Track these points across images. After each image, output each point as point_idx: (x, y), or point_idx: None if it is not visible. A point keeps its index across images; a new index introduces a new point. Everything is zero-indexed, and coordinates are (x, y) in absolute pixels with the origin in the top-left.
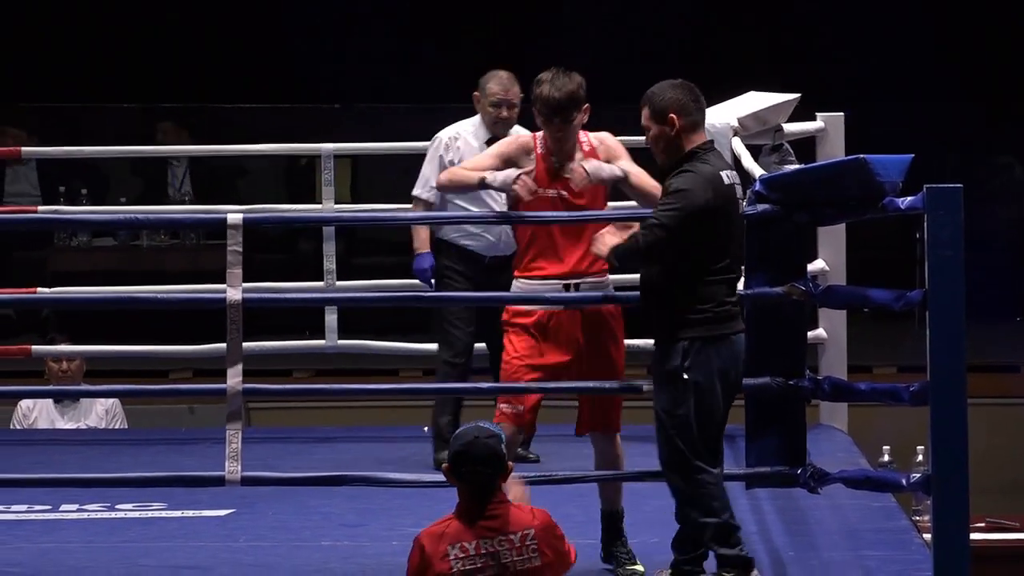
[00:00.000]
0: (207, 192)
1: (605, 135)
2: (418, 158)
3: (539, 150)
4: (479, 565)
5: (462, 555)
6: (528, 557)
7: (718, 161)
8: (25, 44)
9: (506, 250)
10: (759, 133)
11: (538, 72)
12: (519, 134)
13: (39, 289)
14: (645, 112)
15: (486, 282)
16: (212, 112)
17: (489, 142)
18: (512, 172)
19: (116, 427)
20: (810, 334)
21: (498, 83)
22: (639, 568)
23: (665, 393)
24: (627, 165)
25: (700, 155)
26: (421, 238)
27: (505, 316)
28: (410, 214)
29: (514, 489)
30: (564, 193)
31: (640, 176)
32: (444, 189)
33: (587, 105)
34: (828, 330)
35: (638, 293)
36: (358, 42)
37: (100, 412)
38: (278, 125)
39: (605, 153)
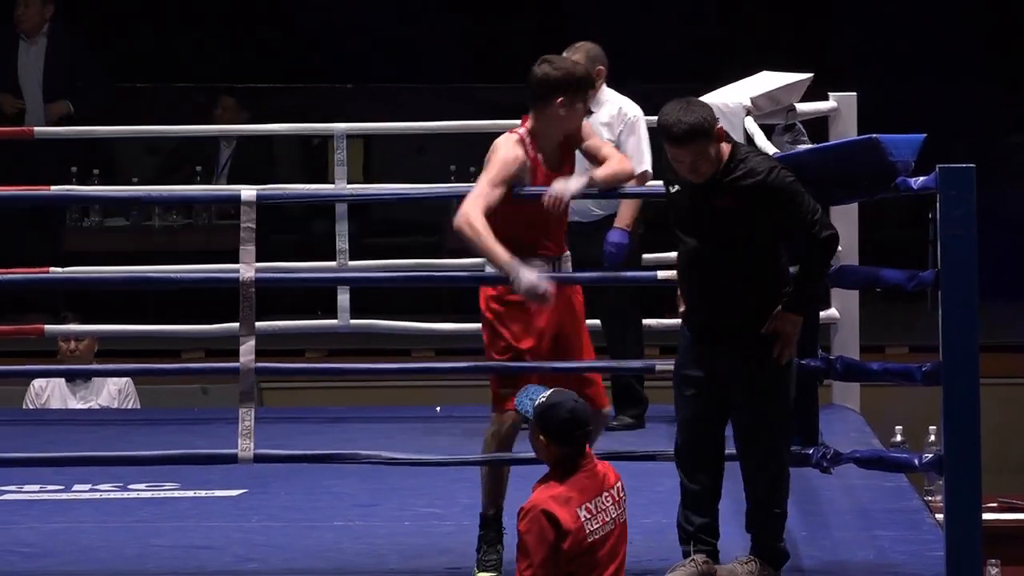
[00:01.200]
0: (247, 172)
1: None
2: (430, 137)
3: (531, 153)
4: (604, 522)
5: (588, 516)
6: (624, 508)
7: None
8: None
9: (582, 217)
10: (772, 113)
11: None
12: (508, 146)
13: (51, 269)
14: (701, 144)
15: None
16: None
17: None
18: (533, 283)
19: (129, 407)
20: (822, 314)
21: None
22: None
23: (778, 385)
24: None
25: (742, 147)
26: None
27: (492, 293)
28: (418, 190)
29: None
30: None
31: (606, 168)
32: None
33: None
34: (840, 310)
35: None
36: (372, 20)
37: (113, 392)
38: (294, 104)
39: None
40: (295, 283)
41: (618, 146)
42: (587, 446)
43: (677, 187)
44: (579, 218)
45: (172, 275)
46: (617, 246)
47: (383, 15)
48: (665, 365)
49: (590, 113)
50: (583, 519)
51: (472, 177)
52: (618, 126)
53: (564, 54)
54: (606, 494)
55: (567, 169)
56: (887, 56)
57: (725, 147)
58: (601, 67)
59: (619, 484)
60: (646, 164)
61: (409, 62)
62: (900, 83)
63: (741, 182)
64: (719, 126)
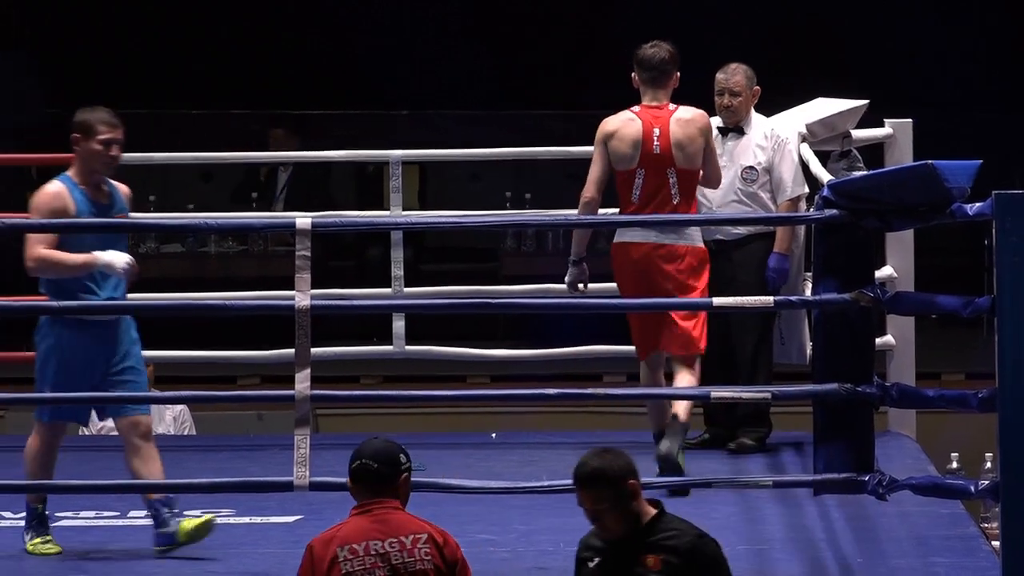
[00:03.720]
0: (303, 199)
1: None
2: (484, 164)
3: None
4: (367, 566)
5: (351, 556)
6: (419, 559)
7: None
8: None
9: (724, 235)
10: (827, 139)
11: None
12: None
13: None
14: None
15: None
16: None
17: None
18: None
19: (185, 434)
20: (878, 341)
21: (721, 72)
22: None
23: None
24: None
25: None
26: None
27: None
28: (471, 217)
29: None
30: None
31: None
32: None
33: None
34: (896, 336)
35: None
36: (427, 47)
37: (168, 420)
38: (349, 131)
39: None
40: (351, 310)
41: (770, 168)
42: (390, 497)
43: (597, 560)
44: (721, 236)
45: (227, 302)
46: (777, 271)
47: (437, 41)
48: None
49: (742, 134)
50: (341, 559)
51: (527, 204)
52: (771, 148)
53: (719, 75)
54: (393, 540)
55: None
56: (943, 83)
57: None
58: (757, 87)
59: (420, 536)
60: (802, 187)
61: (460, 88)
62: (956, 110)
63: (666, 542)
64: (633, 481)
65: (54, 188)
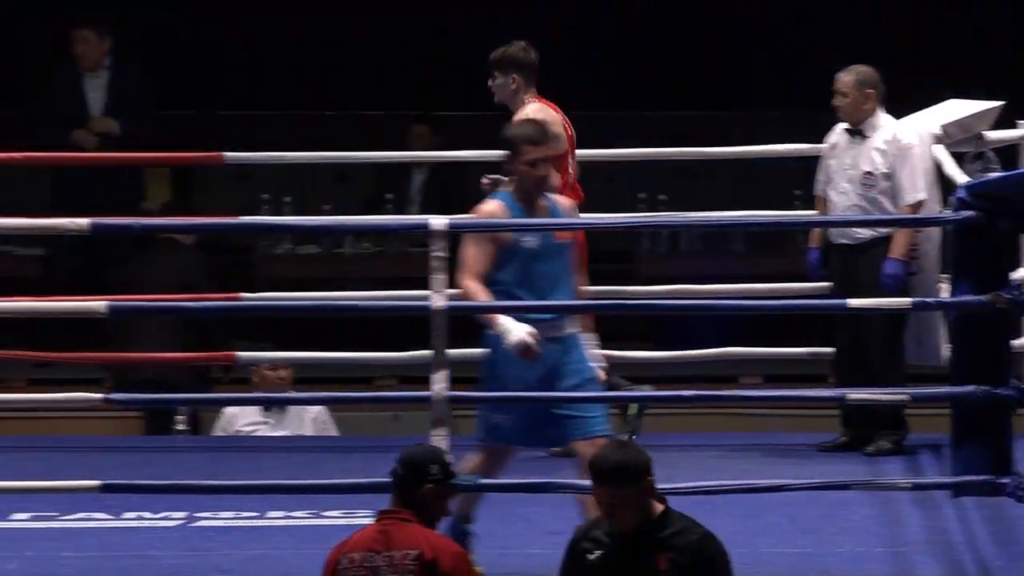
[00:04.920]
0: (438, 199)
1: None
2: (615, 166)
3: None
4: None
5: (349, 565)
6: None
7: None
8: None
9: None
10: (962, 141)
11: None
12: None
13: (242, 295)
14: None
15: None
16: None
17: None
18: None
19: (325, 435)
20: (1015, 343)
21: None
22: None
23: None
24: None
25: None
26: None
27: None
28: (610, 220)
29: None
30: None
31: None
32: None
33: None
34: None
35: None
36: (562, 48)
37: (308, 421)
38: (485, 131)
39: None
40: (486, 310)
41: (891, 174)
42: (406, 509)
43: (598, 553)
44: (846, 240)
45: (363, 303)
46: (893, 277)
47: (572, 42)
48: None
49: (864, 137)
50: (341, 566)
51: (662, 206)
52: (892, 153)
53: (838, 75)
54: (386, 554)
55: None
56: None
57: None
58: (872, 90)
59: (410, 553)
60: (921, 193)
61: (589, 90)
62: None
63: (672, 539)
64: (650, 477)
65: (490, 206)
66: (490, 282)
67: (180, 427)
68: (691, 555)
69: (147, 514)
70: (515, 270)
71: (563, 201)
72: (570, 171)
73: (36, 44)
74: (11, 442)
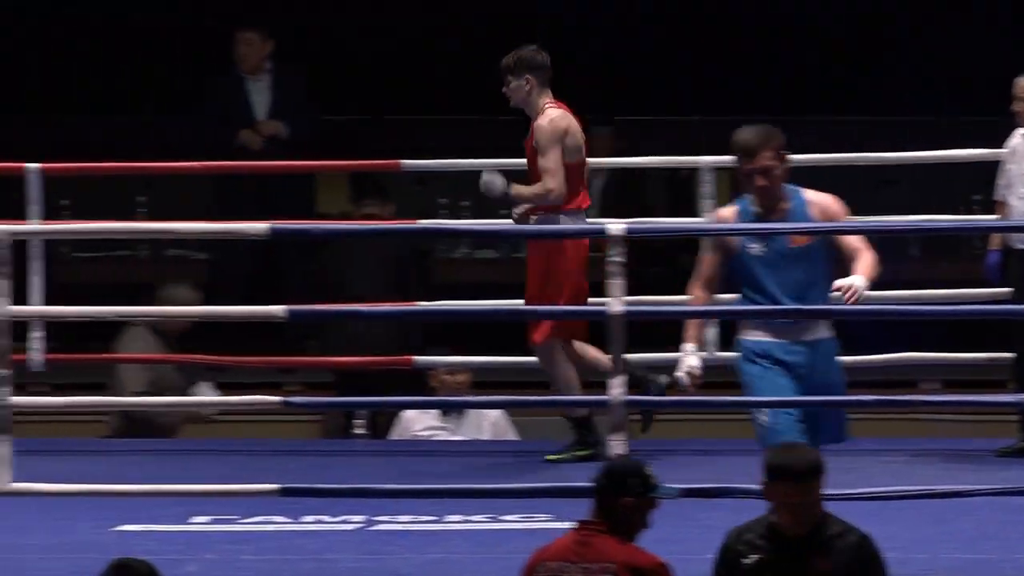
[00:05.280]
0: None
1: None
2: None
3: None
4: None
5: (544, 573)
6: None
7: None
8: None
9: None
10: None
11: None
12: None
13: (420, 301)
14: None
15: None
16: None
17: None
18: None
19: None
20: None
21: None
22: None
23: None
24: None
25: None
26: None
27: None
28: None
29: None
30: None
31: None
32: None
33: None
34: None
35: None
36: (734, 51)
37: (486, 426)
38: (664, 136)
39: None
40: (663, 315)
41: None
42: (604, 521)
43: (756, 557)
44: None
45: (539, 308)
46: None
47: (746, 46)
48: None
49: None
50: (539, 573)
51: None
52: None
53: (1016, 80)
54: (584, 565)
55: None
56: None
57: None
58: None
59: (607, 566)
60: None
61: (763, 94)
62: None
63: (835, 542)
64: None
65: (724, 211)
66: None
67: (359, 431)
68: (850, 557)
69: (326, 517)
70: (747, 276)
71: (820, 203)
72: (585, 176)
73: (198, 49)
74: (192, 445)
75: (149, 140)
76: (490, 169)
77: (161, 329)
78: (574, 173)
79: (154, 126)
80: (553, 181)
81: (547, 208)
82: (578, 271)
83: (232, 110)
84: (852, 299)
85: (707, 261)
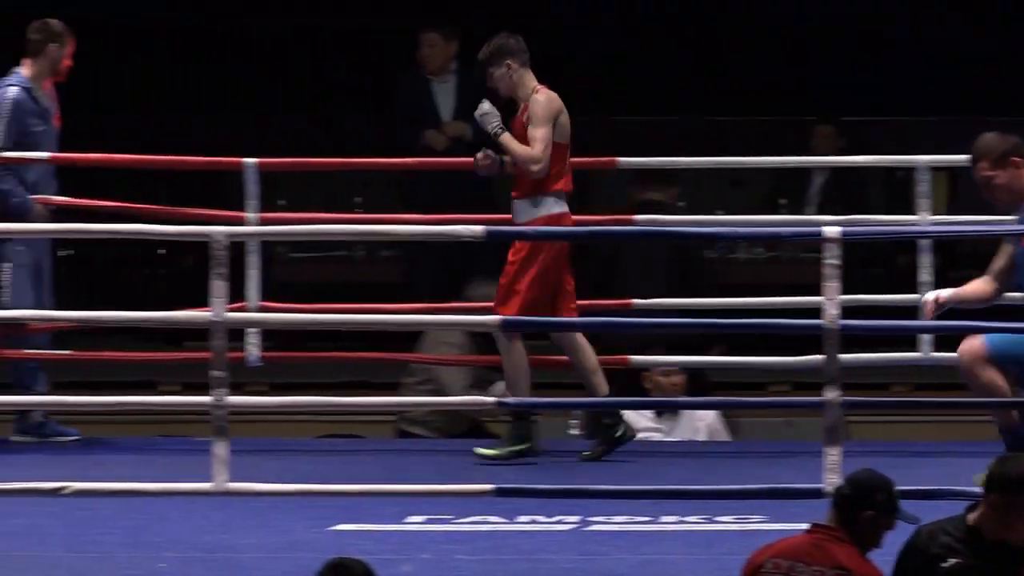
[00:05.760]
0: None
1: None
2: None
3: None
4: None
5: (773, 570)
6: None
7: None
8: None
9: None
10: None
11: None
12: None
13: (634, 302)
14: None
15: None
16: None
17: None
18: None
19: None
20: None
21: None
22: None
23: None
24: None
25: None
26: None
27: None
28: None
29: None
30: None
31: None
32: None
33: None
34: None
35: None
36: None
37: (701, 428)
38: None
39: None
40: (878, 328)
41: None
42: (842, 529)
43: (955, 561)
44: None
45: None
46: None
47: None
48: None
49: None
50: (766, 568)
51: None
52: None
53: None
54: (813, 567)
55: None
56: None
57: None
58: None
59: (828, 572)
60: None
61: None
62: None
63: None
64: None
65: None
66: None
67: (573, 431)
68: None
69: (541, 518)
70: (1020, 275)
71: None
72: (567, 163)
73: (386, 51)
74: (409, 445)
75: (347, 139)
76: (491, 107)
77: None
78: (562, 155)
79: (344, 126)
80: (541, 150)
81: (533, 190)
82: (560, 259)
83: (418, 111)
84: None
85: (1002, 251)
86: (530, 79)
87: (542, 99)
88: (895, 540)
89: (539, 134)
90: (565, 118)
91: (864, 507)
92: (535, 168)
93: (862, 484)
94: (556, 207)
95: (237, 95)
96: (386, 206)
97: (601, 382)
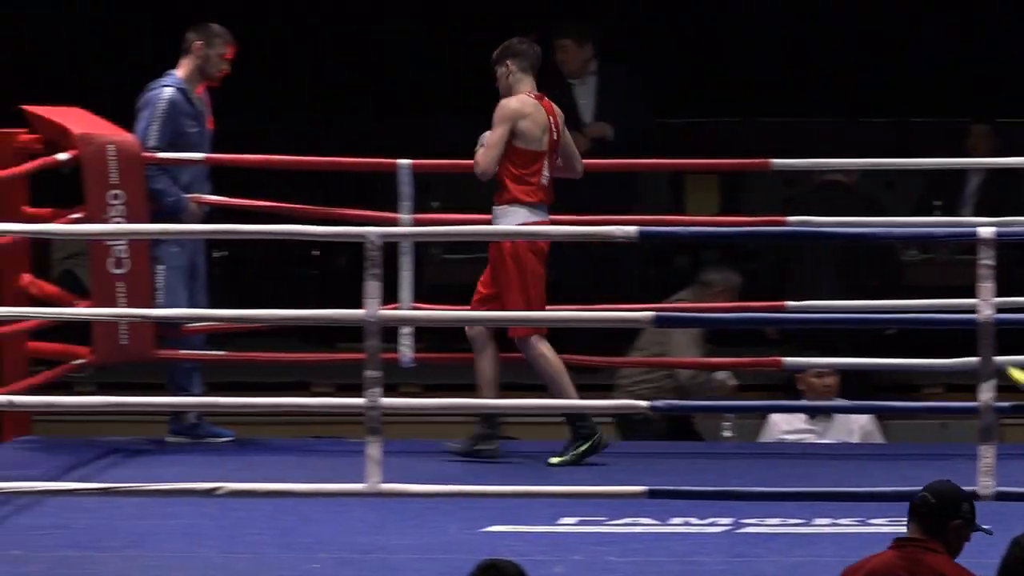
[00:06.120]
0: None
1: None
2: None
3: None
4: None
5: None
6: None
7: None
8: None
9: None
10: None
11: None
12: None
13: (787, 303)
14: None
15: None
16: None
17: None
18: None
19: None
20: None
21: None
22: None
23: None
24: None
25: None
26: None
27: None
28: None
29: None
30: None
31: None
32: None
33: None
34: None
35: None
36: None
37: (856, 430)
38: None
39: None
40: None
41: None
42: (935, 539)
43: None
44: None
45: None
46: None
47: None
48: None
49: None
50: None
51: None
52: None
53: None
54: None
55: None
56: None
57: None
58: None
59: None
60: None
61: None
62: None
63: None
64: None
65: None
66: None
67: (727, 433)
68: None
69: (693, 520)
70: None
71: None
72: (544, 171)
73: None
74: (558, 447)
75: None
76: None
77: None
78: (529, 161)
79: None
80: (480, 155)
81: (507, 199)
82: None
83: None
84: None
85: None
86: (524, 85)
87: (503, 104)
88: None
89: (487, 138)
90: (529, 124)
91: (952, 516)
92: (477, 172)
93: (947, 494)
94: (532, 216)
95: (389, 97)
96: None
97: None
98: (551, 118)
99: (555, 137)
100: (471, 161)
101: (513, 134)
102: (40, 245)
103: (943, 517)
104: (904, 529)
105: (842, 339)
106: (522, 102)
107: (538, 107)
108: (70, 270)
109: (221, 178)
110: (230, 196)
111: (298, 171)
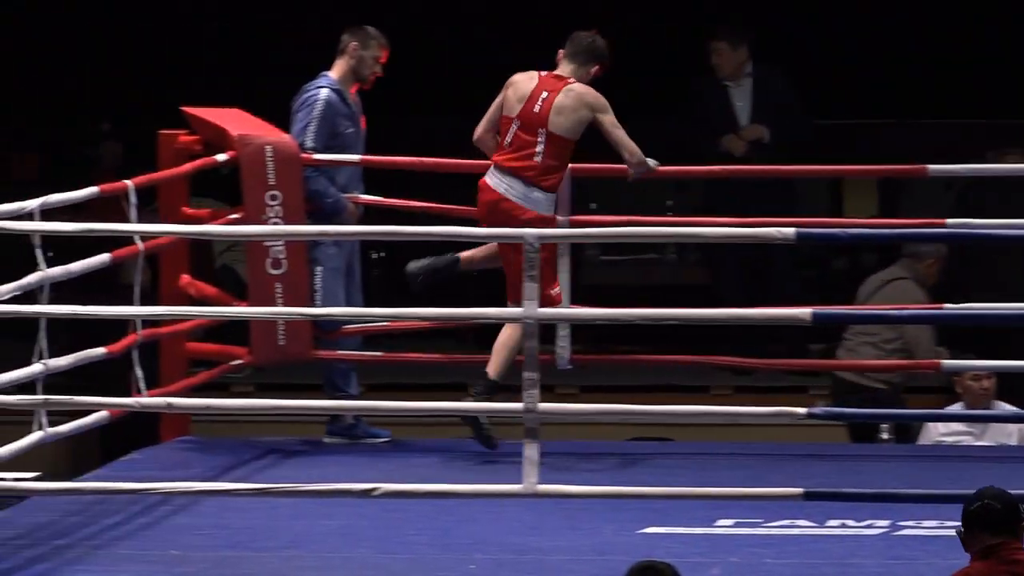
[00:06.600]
0: None
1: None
2: None
3: None
4: None
5: None
6: None
7: None
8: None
9: None
10: None
11: None
12: None
13: (946, 306)
14: None
15: None
16: None
17: None
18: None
19: None
20: None
21: None
22: None
23: None
24: None
25: None
26: None
27: None
28: None
29: None
30: None
31: None
32: None
33: None
34: None
35: None
36: None
37: (1015, 431)
38: None
39: None
40: None
41: None
42: (1014, 538)
43: None
44: None
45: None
46: None
47: None
48: None
49: None
50: None
51: None
52: None
53: None
54: None
55: None
56: None
57: None
58: None
59: None
60: None
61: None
62: None
63: None
64: None
65: None
66: None
67: (884, 435)
68: None
69: (850, 522)
70: None
71: None
72: (507, 138)
73: (679, 55)
74: (715, 448)
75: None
76: None
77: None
78: (505, 128)
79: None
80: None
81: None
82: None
83: (715, 115)
84: None
85: None
86: (561, 67)
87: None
88: None
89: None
90: (511, 92)
91: (1021, 518)
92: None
93: (1006, 498)
94: (489, 175)
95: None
96: (699, 210)
97: None
98: (541, 92)
99: (534, 110)
100: (623, 165)
101: (502, 104)
102: (199, 245)
103: (1013, 520)
104: None
105: (1001, 341)
106: (519, 74)
107: (530, 79)
108: (229, 265)
109: (372, 181)
110: (382, 196)
111: (451, 172)
